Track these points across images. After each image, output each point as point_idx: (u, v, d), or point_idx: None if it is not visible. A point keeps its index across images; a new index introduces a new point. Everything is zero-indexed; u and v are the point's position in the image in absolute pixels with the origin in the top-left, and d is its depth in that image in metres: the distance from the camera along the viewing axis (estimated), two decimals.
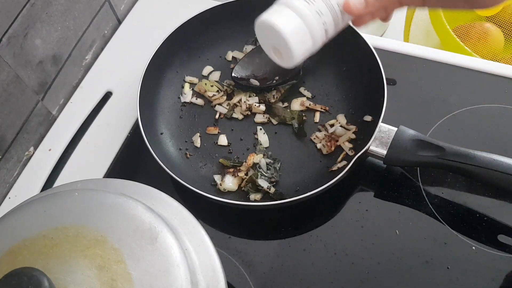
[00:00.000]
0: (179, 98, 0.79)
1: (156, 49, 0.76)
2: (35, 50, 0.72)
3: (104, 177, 0.74)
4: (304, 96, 0.78)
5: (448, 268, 0.63)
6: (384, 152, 0.65)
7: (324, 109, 0.76)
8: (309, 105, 0.76)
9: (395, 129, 0.66)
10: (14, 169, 0.75)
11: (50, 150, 0.78)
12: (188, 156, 0.74)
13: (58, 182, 0.75)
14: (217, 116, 0.77)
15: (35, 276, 0.37)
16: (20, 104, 0.72)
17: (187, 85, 0.80)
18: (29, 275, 0.37)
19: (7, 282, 0.36)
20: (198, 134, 0.75)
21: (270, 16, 0.49)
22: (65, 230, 0.42)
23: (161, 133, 0.75)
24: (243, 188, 0.69)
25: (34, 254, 0.41)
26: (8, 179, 0.74)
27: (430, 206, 0.67)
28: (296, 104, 0.76)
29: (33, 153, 0.77)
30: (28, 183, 0.75)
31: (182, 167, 0.72)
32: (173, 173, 0.66)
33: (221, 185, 0.70)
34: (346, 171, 0.64)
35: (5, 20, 0.66)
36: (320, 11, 0.47)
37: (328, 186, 0.63)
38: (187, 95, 0.79)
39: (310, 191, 0.63)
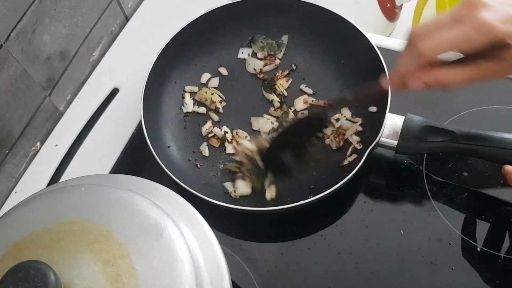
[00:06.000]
0: (181, 109, 0.78)
1: (159, 52, 0.75)
2: (43, 46, 0.73)
3: (110, 173, 0.74)
4: (305, 93, 0.77)
5: (452, 269, 0.63)
6: (395, 142, 0.65)
7: (327, 104, 0.75)
8: (312, 101, 0.76)
9: (403, 117, 0.66)
10: (20, 164, 0.75)
11: (56, 145, 0.78)
12: (199, 166, 0.73)
13: (64, 178, 0.75)
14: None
15: (41, 269, 0.37)
16: (27, 99, 0.73)
17: (187, 95, 0.78)
18: (35, 269, 0.37)
19: (13, 275, 0.37)
20: (205, 143, 0.74)
21: None
22: (71, 225, 0.43)
23: (168, 146, 0.74)
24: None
25: (40, 248, 0.41)
26: (15, 173, 0.75)
27: (435, 206, 0.67)
28: (300, 103, 0.76)
29: (40, 148, 0.78)
30: (35, 177, 0.75)
31: (194, 178, 0.71)
32: (188, 187, 0.64)
33: (235, 191, 0.69)
34: (361, 165, 0.63)
35: (13, 15, 0.66)
36: None
37: (344, 182, 0.62)
38: (189, 105, 0.77)
39: (325, 188, 0.62)
